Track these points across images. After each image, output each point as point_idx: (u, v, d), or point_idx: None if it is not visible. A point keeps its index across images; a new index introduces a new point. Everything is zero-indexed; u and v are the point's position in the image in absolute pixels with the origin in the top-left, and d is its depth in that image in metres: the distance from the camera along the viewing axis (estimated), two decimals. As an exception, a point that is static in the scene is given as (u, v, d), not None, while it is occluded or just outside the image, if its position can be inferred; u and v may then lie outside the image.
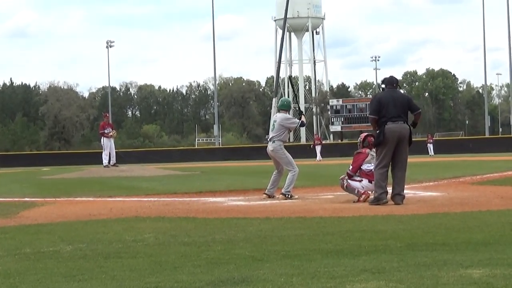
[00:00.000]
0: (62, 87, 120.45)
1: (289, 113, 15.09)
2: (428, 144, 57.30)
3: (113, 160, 30.57)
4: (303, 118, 14.86)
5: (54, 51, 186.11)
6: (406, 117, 12.54)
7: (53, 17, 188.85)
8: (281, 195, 14.05)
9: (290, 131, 14.69)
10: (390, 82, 12.76)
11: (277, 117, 14.67)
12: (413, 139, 12.78)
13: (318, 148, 52.65)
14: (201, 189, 17.16)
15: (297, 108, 16.05)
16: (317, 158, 50.81)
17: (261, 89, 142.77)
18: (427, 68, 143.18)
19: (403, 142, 12.46)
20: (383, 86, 12.93)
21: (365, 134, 13.90)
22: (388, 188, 12.51)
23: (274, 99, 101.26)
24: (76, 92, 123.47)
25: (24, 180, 27.45)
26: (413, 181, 17.42)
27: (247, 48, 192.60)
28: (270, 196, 14.26)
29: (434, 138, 62.00)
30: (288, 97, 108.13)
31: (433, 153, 56.24)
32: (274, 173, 14.57)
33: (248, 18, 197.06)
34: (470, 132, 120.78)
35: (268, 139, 14.83)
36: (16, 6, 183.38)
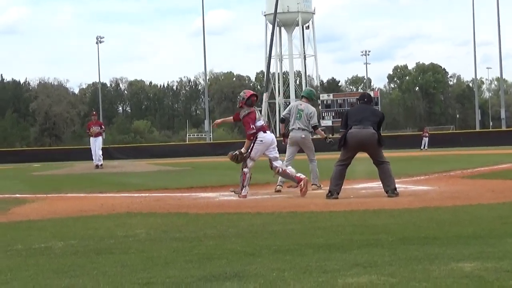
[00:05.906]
0: (52, 83, 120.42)
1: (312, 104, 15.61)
2: (424, 138, 56.94)
3: (96, 161, 29.31)
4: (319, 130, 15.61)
5: (44, 47, 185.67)
6: (371, 123, 12.61)
7: (43, 14, 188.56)
8: (313, 186, 14.63)
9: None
10: (362, 97, 13.43)
11: (302, 106, 15.15)
12: (382, 138, 12.84)
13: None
14: (192, 185, 17.14)
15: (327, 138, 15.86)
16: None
17: (251, 84, 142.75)
18: (417, 62, 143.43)
19: (368, 144, 12.59)
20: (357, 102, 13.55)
21: (251, 93, 13.99)
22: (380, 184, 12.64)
23: (264, 94, 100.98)
24: (66, 88, 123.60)
25: (15, 177, 27.39)
26: (404, 175, 17.46)
27: (238, 43, 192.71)
28: (318, 187, 14.77)
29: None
30: (279, 92, 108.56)
31: (426, 147, 55.92)
32: (309, 162, 15.10)
33: (238, 13, 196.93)
34: (461, 126, 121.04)
35: (298, 127, 15.11)
36: (6, 3, 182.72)
